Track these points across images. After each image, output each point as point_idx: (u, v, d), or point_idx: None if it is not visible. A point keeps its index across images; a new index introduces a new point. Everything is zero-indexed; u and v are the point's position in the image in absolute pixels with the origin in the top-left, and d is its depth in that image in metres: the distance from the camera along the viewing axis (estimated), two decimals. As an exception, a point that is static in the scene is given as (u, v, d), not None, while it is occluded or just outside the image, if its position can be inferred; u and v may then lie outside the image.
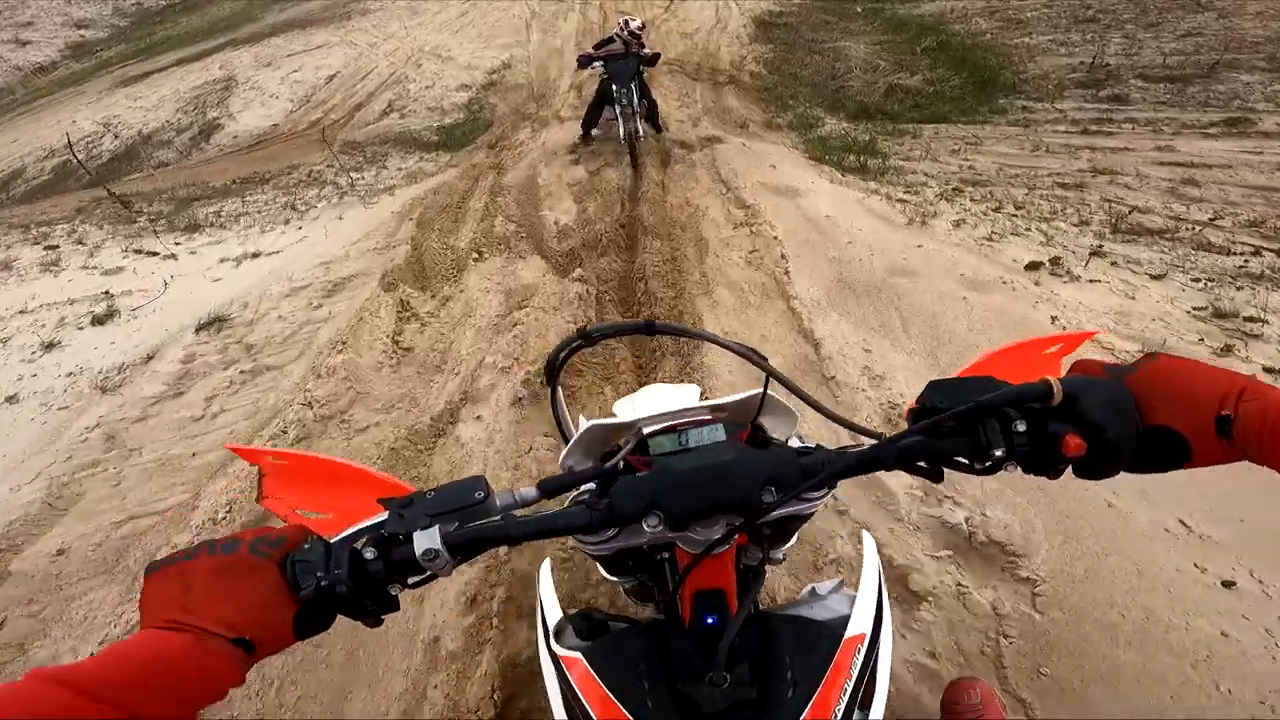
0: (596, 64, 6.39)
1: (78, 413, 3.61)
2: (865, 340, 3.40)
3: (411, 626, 2.17)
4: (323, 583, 0.61)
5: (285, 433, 3.17)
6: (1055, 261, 4.06)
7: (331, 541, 0.64)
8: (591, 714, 0.72)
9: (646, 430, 0.84)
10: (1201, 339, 3.20)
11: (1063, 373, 0.67)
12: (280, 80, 12.38)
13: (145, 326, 4.38)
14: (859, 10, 12.87)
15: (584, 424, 0.88)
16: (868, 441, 0.73)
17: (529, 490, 0.73)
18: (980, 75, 9.52)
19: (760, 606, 0.89)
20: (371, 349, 3.76)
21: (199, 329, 4.02)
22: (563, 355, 0.89)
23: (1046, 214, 5.30)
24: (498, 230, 5.04)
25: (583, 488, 0.85)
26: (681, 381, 2.74)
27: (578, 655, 0.78)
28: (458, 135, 8.66)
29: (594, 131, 6.85)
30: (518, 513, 0.71)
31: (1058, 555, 2.16)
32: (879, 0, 13.31)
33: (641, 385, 1.69)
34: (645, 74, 6.49)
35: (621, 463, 0.79)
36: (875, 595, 0.82)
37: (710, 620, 0.76)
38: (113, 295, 4.90)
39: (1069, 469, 0.63)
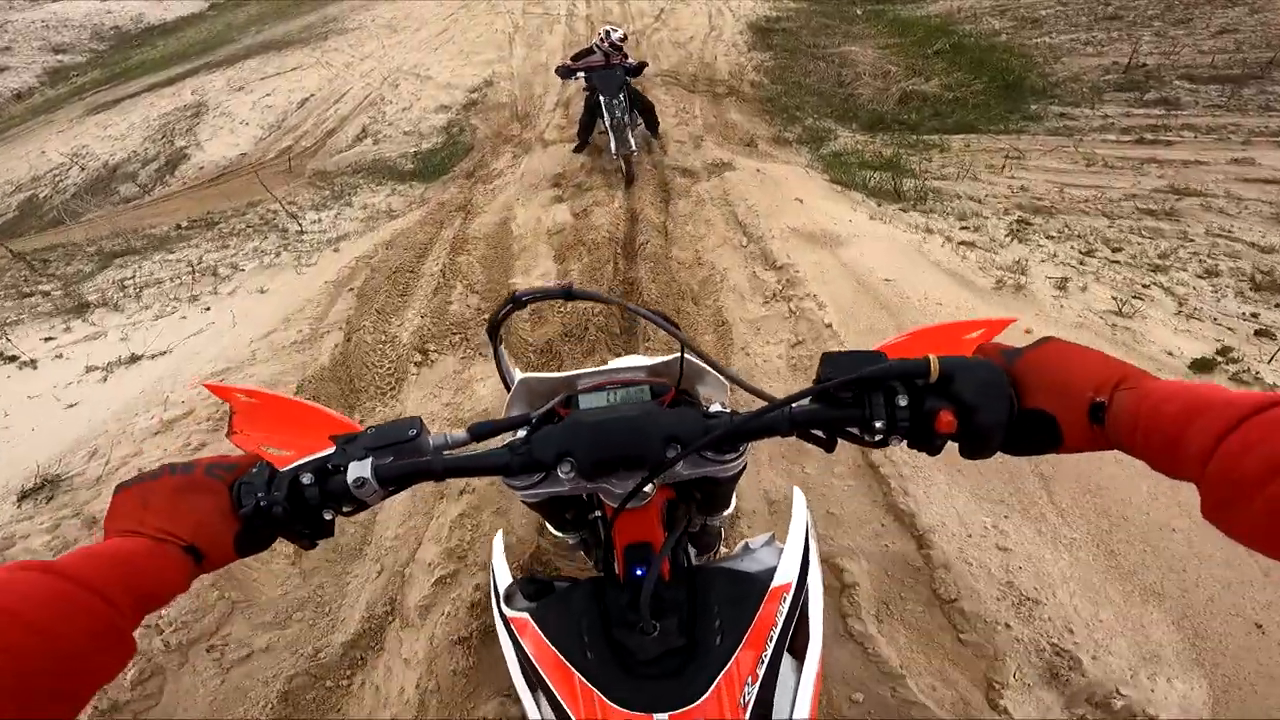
0: (579, 75, 5.58)
1: None
2: (995, 524, 2.05)
3: None
4: (261, 503, 0.63)
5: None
6: (1226, 354, 2.70)
7: (280, 470, 0.66)
8: (540, 671, 0.70)
9: (580, 386, 0.84)
10: None
11: None
12: (251, 105, 10.95)
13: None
14: (859, 13, 11.42)
15: (518, 375, 0.87)
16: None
17: (460, 433, 0.77)
18: (1003, 78, 8.13)
19: (695, 562, 0.95)
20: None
21: (22, 497, 2.63)
22: (500, 316, 0.86)
23: (1155, 260, 3.95)
24: (454, 310, 3.68)
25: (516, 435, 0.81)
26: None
27: (525, 616, 0.76)
28: (435, 162, 7.28)
29: (591, 138, 5.98)
30: (447, 452, 0.72)
31: None
32: (879, 2, 11.86)
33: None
34: (635, 82, 5.52)
35: (550, 413, 0.81)
36: (802, 547, 0.80)
37: (639, 572, 0.75)
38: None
39: (954, 448, 0.62)
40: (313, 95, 10.67)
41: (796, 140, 7.02)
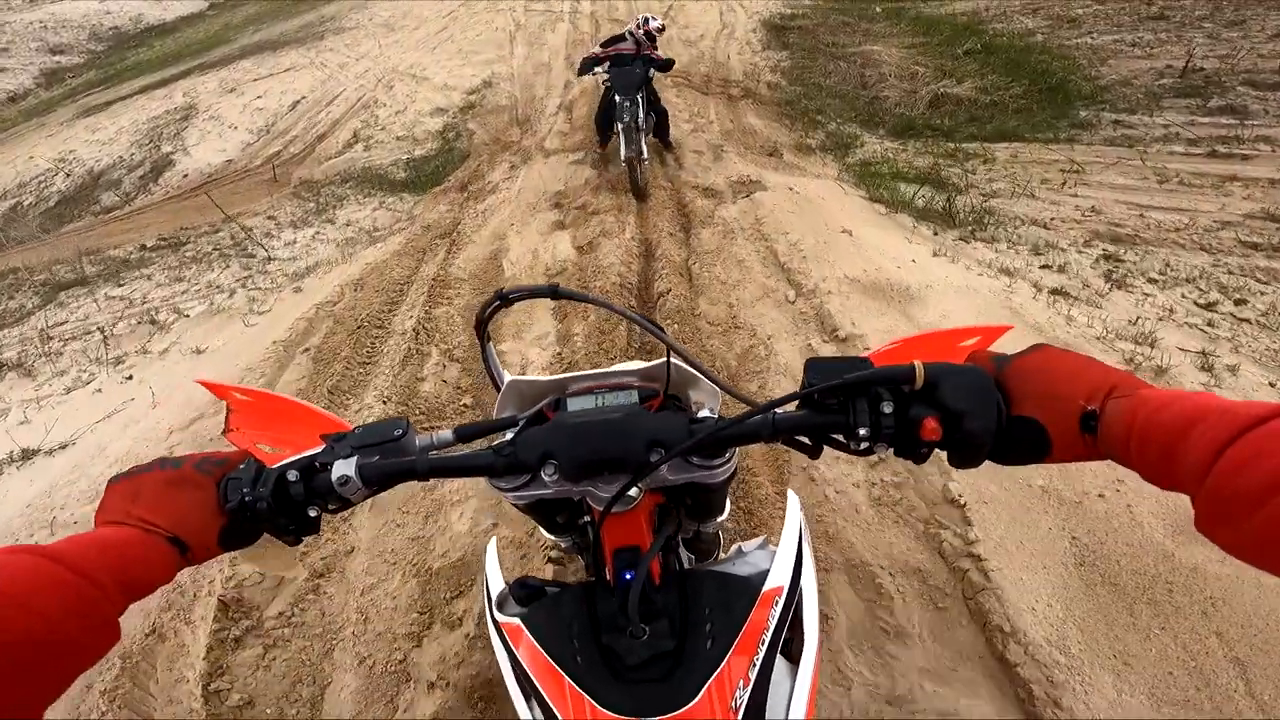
0: (599, 69, 4.83)
1: None
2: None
3: None
4: (246, 498, 0.60)
5: None
6: None
7: (268, 467, 0.63)
8: (530, 673, 0.67)
9: (568, 390, 0.80)
10: None
11: None
12: (242, 108, 9.87)
13: None
14: (878, 10, 10.23)
15: (507, 378, 0.82)
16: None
17: (446, 434, 0.73)
18: (1045, 81, 7.01)
19: (687, 566, 0.91)
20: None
21: None
22: (487, 313, 0.79)
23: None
24: (426, 390, 2.73)
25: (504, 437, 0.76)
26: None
27: (517, 621, 0.72)
28: (428, 171, 6.26)
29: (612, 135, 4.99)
30: (433, 454, 0.68)
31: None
32: (900, 1, 10.67)
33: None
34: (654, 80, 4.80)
35: (536, 415, 0.77)
36: (795, 550, 0.75)
37: (628, 576, 0.69)
38: None
39: (943, 456, 0.58)
40: (304, 97, 9.59)
41: (820, 148, 5.97)
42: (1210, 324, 3.00)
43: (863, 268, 3.22)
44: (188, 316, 3.93)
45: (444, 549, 2.09)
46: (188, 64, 13.28)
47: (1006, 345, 0.68)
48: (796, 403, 0.63)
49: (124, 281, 4.93)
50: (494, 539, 0.97)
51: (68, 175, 9.96)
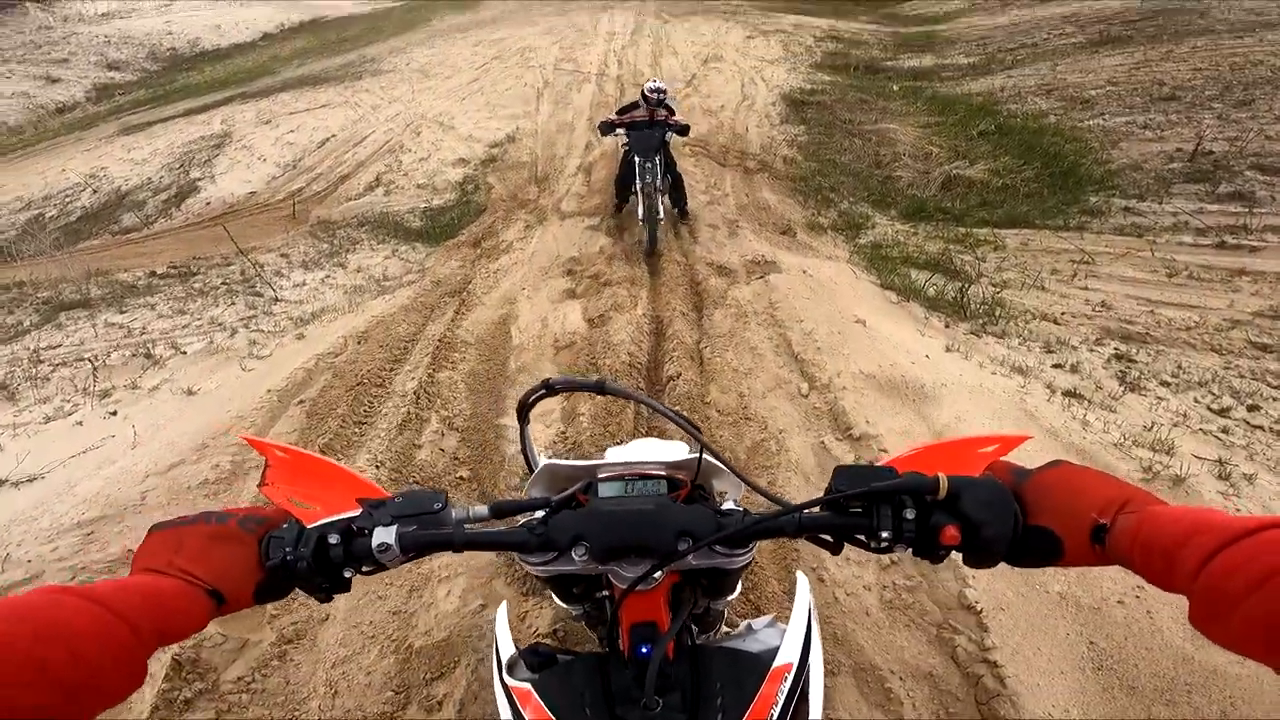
0: (619, 131, 5.00)
1: None
2: None
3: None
4: (288, 558, 0.62)
5: None
6: None
7: (307, 527, 0.65)
8: None
9: (600, 475, 0.82)
10: None
11: None
12: (274, 141, 10.05)
13: None
14: (895, 89, 10.50)
15: (542, 462, 0.84)
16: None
17: (482, 509, 0.75)
18: (1056, 165, 7.05)
19: (698, 641, 0.91)
20: None
21: None
22: (531, 400, 0.84)
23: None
24: (422, 458, 2.63)
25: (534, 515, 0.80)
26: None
27: (528, 686, 0.74)
28: (443, 222, 6.25)
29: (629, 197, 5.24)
30: (468, 527, 0.71)
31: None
32: (917, 80, 10.96)
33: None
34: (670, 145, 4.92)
35: (568, 498, 0.78)
36: (804, 629, 0.77)
37: (644, 650, 0.72)
38: None
39: (959, 555, 0.61)
40: (334, 135, 9.76)
41: (833, 227, 5.96)
42: (1225, 430, 2.91)
43: (877, 363, 3.13)
44: (184, 353, 3.83)
45: (428, 627, 1.96)
46: (231, 91, 13.65)
47: (1025, 454, 0.68)
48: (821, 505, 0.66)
49: (127, 308, 4.85)
50: (504, 603, 0.96)
51: (95, 191, 10.08)
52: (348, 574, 0.66)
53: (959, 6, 17.77)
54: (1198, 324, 4.16)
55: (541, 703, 0.70)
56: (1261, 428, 3.04)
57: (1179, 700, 1.62)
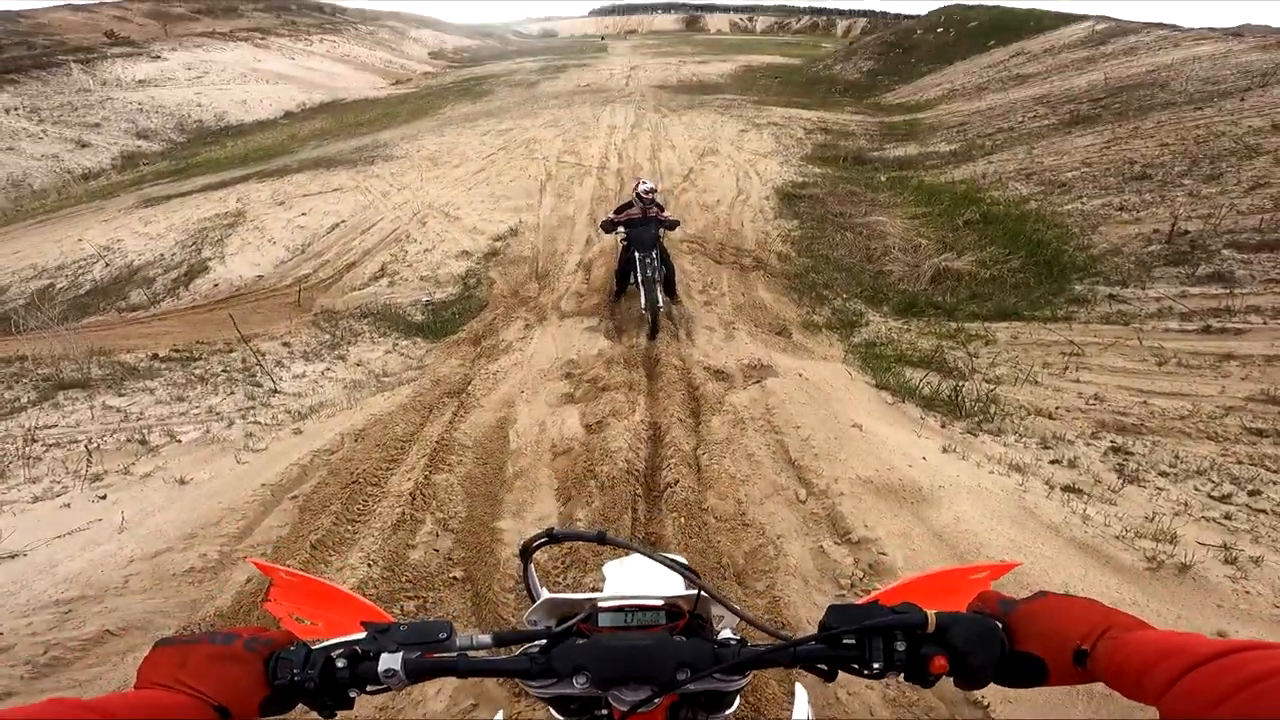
0: (620, 229, 5.55)
1: None
2: None
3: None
4: (295, 678, 0.65)
5: None
6: None
7: (313, 648, 0.68)
8: None
9: (600, 605, 0.85)
10: None
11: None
12: (285, 223, 10.40)
13: None
14: (883, 180, 11.04)
15: (544, 595, 0.87)
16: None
17: (485, 637, 0.77)
18: (1040, 253, 7.25)
19: None
20: None
21: None
22: (534, 545, 0.87)
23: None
24: (415, 559, 2.63)
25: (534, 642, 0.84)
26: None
27: None
28: (445, 317, 6.40)
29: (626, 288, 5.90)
30: (471, 654, 0.74)
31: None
32: (903, 169, 11.54)
33: None
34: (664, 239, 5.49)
35: (570, 628, 0.81)
36: None
37: None
38: None
39: (948, 680, 0.65)
40: (344, 221, 10.13)
41: (826, 325, 6.11)
42: (1228, 516, 2.91)
43: (874, 467, 3.16)
44: (179, 442, 3.84)
45: None
46: (250, 169, 14.24)
47: (1017, 577, 0.72)
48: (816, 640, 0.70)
49: (125, 391, 4.88)
50: (500, 712, 0.98)
51: (107, 265, 10.31)
52: (352, 694, 0.69)
53: (938, 94, 18.99)
54: (1191, 412, 4.20)
55: None
56: (1265, 511, 3.04)
57: None
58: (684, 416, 3.71)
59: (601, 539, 0.80)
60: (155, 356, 6.09)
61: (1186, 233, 6.81)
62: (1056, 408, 4.52)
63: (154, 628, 2.37)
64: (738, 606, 0.82)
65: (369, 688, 0.69)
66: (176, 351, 6.15)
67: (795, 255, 7.85)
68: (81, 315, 8.87)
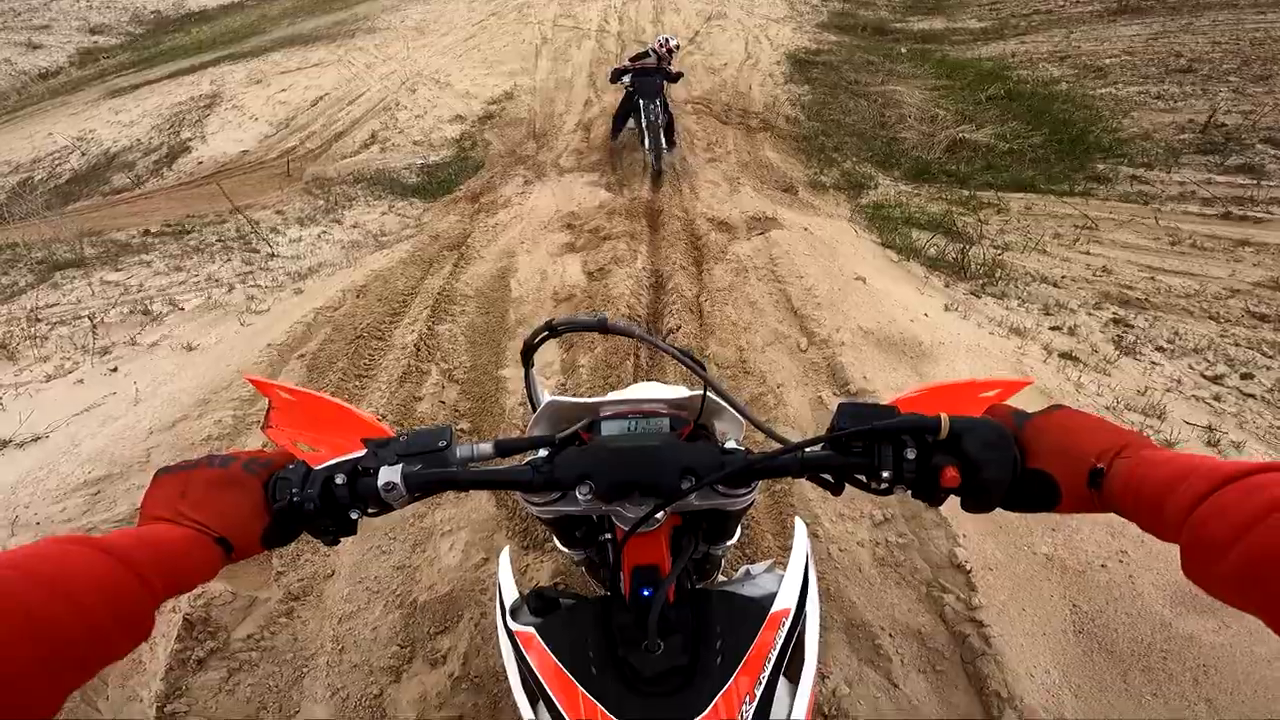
0: (626, 78, 5.81)
1: None
2: None
3: None
4: (294, 498, 0.62)
5: None
6: None
7: (314, 469, 0.65)
8: (544, 683, 0.68)
9: (603, 414, 0.83)
10: None
11: None
12: (265, 100, 9.84)
13: None
14: (903, 51, 10.26)
15: (546, 399, 0.85)
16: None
17: (486, 446, 0.75)
18: (1065, 132, 6.94)
19: (699, 586, 0.93)
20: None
21: None
22: (535, 342, 0.84)
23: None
24: (422, 410, 2.66)
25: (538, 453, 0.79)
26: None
27: (531, 630, 0.73)
28: (441, 178, 6.19)
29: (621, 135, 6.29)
30: (472, 465, 0.71)
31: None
32: (926, 43, 10.69)
33: None
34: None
35: (572, 435, 0.79)
36: (802, 575, 0.78)
37: (646, 593, 0.72)
38: None
39: (956, 500, 0.61)
40: (328, 94, 9.56)
41: (834, 186, 5.90)
42: (1217, 398, 2.92)
43: (876, 319, 3.13)
44: (182, 310, 3.82)
45: (431, 581, 1.98)
46: (220, 52, 13.31)
47: (1023, 400, 0.68)
48: (824, 443, 0.66)
49: (122, 266, 4.82)
50: (506, 549, 0.98)
51: (83, 154, 9.90)
52: (354, 515, 0.66)
53: (971, -33, 17.24)
54: (1197, 292, 4.14)
55: (545, 646, 0.71)
56: (1254, 396, 3.03)
57: (1154, 666, 1.63)
58: (686, 265, 3.64)
59: (603, 326, 0.77)
60: (147, 232, 5.96)
61: (1223, 125, 6.49)
62: (1062, 277, 4.44)
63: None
64: (743, 405, 0.77)
65: (371, 508, 0.66)
66: (168, 226, 6.01)
67: (805, 119, 7.44)
68: (66, 202, 8.64)
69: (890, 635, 1.76)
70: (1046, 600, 1.80)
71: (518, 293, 3.49)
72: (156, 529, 0.55)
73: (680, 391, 0.93)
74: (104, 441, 2.63)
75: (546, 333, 0.81)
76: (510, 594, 0.84)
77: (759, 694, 0.65)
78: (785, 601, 0.74)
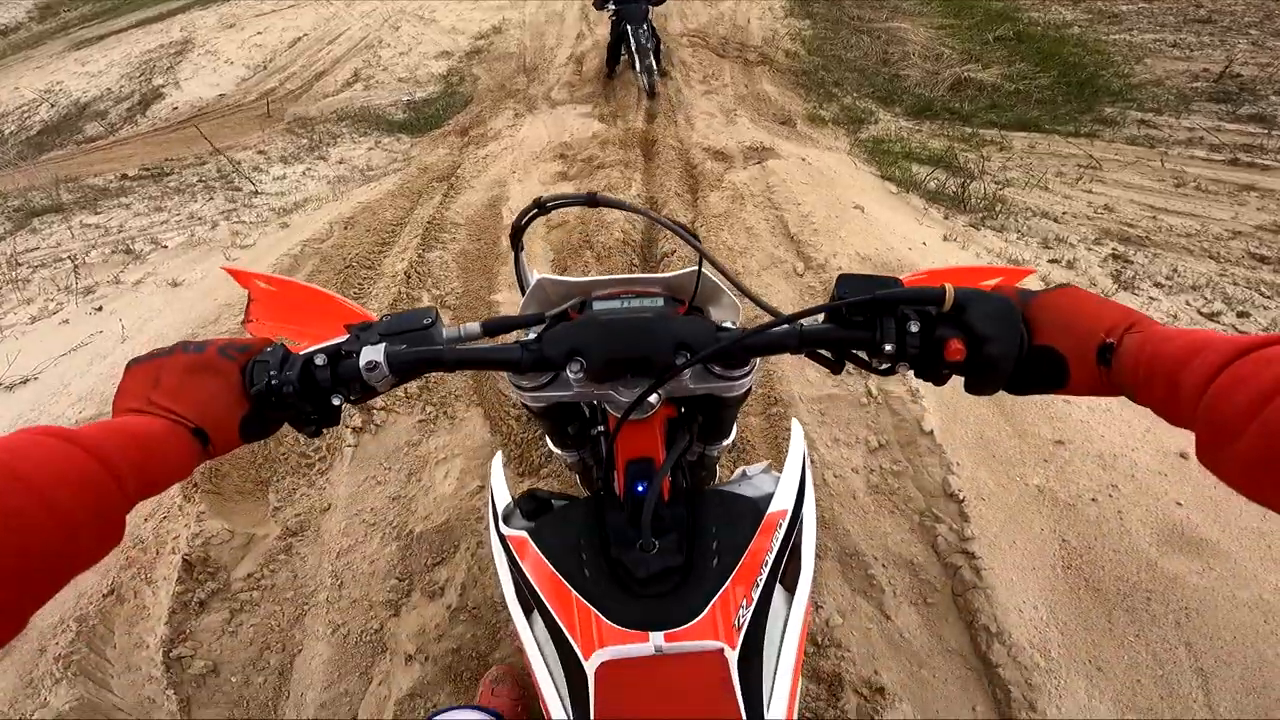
0: (609, 5, 5.70)
1: None
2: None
3: None
4: (273, 381, 0.58)
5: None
6: None
7: (292, 353, 0.62)
8: (536, 588, 0.66)
9: (595, 293, 0.77)
10: None
11: None
12: (240, 44, 9.47)
13: None
14: (909, -15, 9.87)
15: (535, 277, 0.78)
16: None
17: (473, 326, 0.72)
18: (1074, 75, 6.76)
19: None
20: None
21: None
22: (524, 221, 0.83)
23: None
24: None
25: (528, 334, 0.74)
26: None
27: (524, 534, 0.71)
28: (428, 114, 6.02)
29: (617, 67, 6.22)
30: (459, 346, 0.67)
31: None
32: (931, -24, 10.27)
33: None
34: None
35: (562, 314, 0.76)
36: (799, 477, 0.76)
37: (640, 488, 0.71)
38: None
39: (961, 382, 0.59)
40: (306, 35, 9.20)
41: (834, 120, 5.76)
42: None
43: (874, 246, 3.08)
44: (165, 248, 3.73)
45: (427, 511, 1.97)
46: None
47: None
48: (823, 316, 0.62)
49: (101, 210, 4.70)
50: (499, 454, 0.92)
51: (52, 106, 9.55)
52: (336, 401, 0.62)
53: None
54: (1199, 232, 4.11)
55: (538, 550, 0.68)
56: (1247, 333, 3.04)
57: (1138, 607, 1.62)
58: (681, 192, 3.56)
59: (593, 200, 0.74)
60: (125, 177, 5.80)
61: (1238, 75, 6.36)
62: (1063, 213, 4.39)
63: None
64: (738, 279, 0.74)
65: (353, 394, 0.62)
66: (146, 170, 5.84)
67: (805, 54, 7.20)
68: (39, 153, 8.37)
69: (883, 565, 1.75)
70: (1037, 534, 1.78)
71: (509, 220, 3.42)
72: (129, 420, 0.51)
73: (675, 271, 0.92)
74: (93, 381, 2.59)
75: (535, 210, 0.78)
76: (503, 499, 0.81)
77: (755, 598, 0.63)
78: (782, 503, 0.72)
